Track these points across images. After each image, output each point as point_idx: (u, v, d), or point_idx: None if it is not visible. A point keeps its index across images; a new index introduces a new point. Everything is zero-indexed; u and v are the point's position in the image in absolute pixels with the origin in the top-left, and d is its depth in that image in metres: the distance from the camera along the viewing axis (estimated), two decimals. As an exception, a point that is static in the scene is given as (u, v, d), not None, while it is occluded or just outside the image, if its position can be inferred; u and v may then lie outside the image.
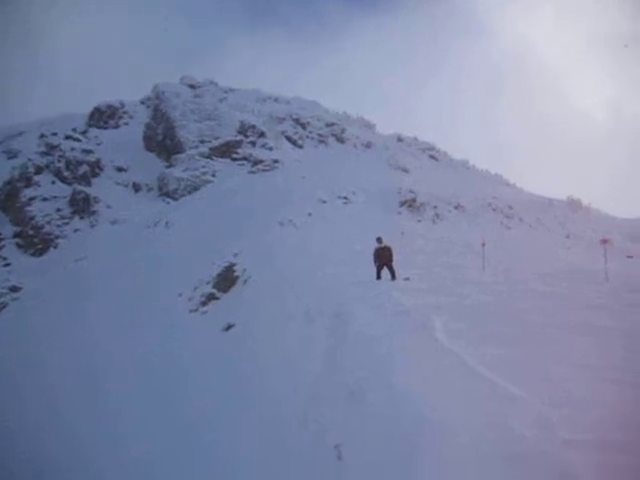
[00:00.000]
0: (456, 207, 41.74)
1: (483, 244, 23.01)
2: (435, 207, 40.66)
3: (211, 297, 27.24)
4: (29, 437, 20.24)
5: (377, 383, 11.42)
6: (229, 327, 23.64)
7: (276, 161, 47.87)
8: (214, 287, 27.58)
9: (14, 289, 36.21)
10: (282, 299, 21.68)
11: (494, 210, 43.73)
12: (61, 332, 28.88)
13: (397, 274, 19.81)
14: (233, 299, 26.07)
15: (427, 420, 8.72)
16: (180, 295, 28.44)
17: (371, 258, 20.67)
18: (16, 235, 42.51)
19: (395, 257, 20.08)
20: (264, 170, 46.39)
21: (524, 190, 56.43)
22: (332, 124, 58.90)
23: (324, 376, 14.34)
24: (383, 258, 20.03)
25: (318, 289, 20.40)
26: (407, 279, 19.71)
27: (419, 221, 37.94)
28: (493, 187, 51.39)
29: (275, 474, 13.34)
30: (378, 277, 20.03)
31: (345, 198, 39.45)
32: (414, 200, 40.56)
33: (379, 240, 20.55)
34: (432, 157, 61.35)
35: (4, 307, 35.08)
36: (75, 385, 23.40)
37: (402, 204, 40.16)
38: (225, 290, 27.16)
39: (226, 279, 27.46)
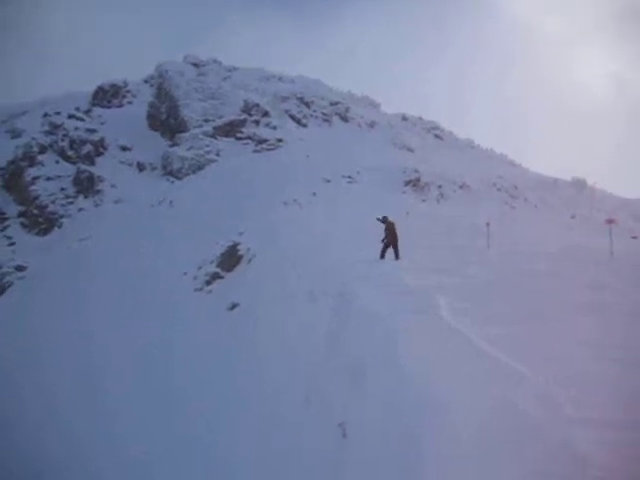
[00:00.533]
0: (461, 187, 41.62)
1: (488, 224, 22.94)
2: (440, 187, 40.55)
3: (216, 276, 27.30)
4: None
5: (381, 362, 11.43)
6: (234, 306, 23.73)
7: (280, 140, 47.75)
8: (218, 266, 27.63)
9: (19, 268, 36.34)
10: (286, 278, 21.69)
11: (499, 190, 43.60)
12: (64, 312, 29.01)
13: (400, 254, 19.80)
14: (237, 278, 26.09)
15: (432, 399, 8.73)
16: (185, 274, 28.53)
17: (376, 237, 20.64)
18: (21, 214, 42.57)
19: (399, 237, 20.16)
20: (268, 149, 46.30)
21: (529, 170, 56.20)
22: (336, 103, 58.60)
23: (328, 355, 14.39)
24: (394, 235, 20.10)
25: (322, 268, 20.38)
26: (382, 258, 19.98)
27: (424, 200, 37.86)
28: (498, 167, 51.24)
29: (279, 452, 13.42)
30: (382, 257, 19.93)
31: (349, 177, 39.36)
32: (419, 179, 40.44)
33: (384, 219, 20.56)
34: (437, 136, 61.06)
35: (10, 286, 35.24)
36: (75, 374, 23.61)
37: (407, 183, 40.05)
38: (229, 269, 27.18)
39: (230, 258, 27.47)
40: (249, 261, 26.48)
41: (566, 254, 19.08)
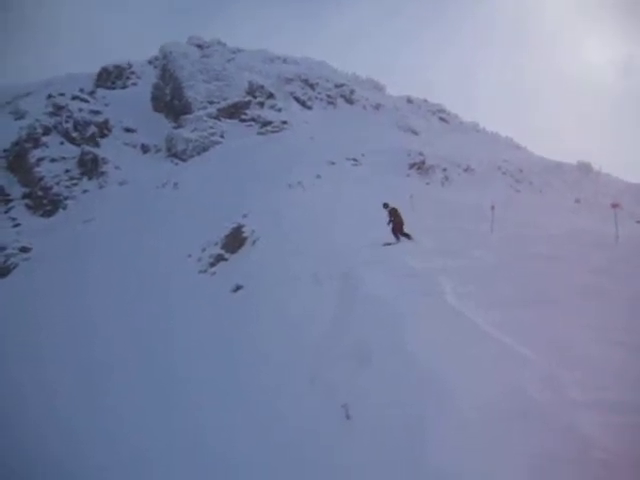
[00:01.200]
0: (465, 170, 41.51)
1: (492, 207, 22.88)
2: (444, 170, 40.44)
3: (220, 258, 27.36)
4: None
5: (386, 344, 11.49)
6: (237, 288, 23.84)
7: (285, 122, 47.62)
8: (222, 248, 27.68)
9: (24, 250, 36.42)
10: (290, 261, 21.74)
11: (504, 173, 43.47)
12: (67, 295, 29.15)
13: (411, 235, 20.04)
14: (241, 260, 26.15)
15: (437, 382, 8.79)
16: (189, 256, 28.61)
17: (380, 220, 20.65)
18: (25, 196, 42.57)
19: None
20: (272, 131, 46.18)
21: (534, 154, 55.95)
22: (341, 85, 58.35)
23: (332, 337, 14.44)
24: (398, 219, 20.13)
25: (326, 251, 20.42)
26: (388, 244, 19.85)
27: (428, 184, 37.77)
28: (503, 150, 51.02)
29: (284, 434, 13.49)
30: (397, 238, 20.22)
31: (354, 160, 39.26)
32: (423, 162, 40.32)
33: (385, 205, 20.69)
34: (442, 119, 60.81)
35: (15, 267, 35.35)
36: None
37: (411, 166, 39.93)
38: (233, 251, 27.22)
39: (234, 240, 27.49)
40: (253, 243, 26.52)
41: (570, 238, 19.04)
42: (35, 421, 20.51)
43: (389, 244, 19.81)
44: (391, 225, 20.23)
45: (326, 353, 14.16)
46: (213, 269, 27.10)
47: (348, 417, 11.46)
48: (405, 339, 10.99)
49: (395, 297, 13.27)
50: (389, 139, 44.44)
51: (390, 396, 10.13)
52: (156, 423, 18.25)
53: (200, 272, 27.33)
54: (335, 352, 13.72)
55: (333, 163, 37.72)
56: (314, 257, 20.60)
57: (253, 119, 48.33)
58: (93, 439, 18.78)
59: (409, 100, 63.38)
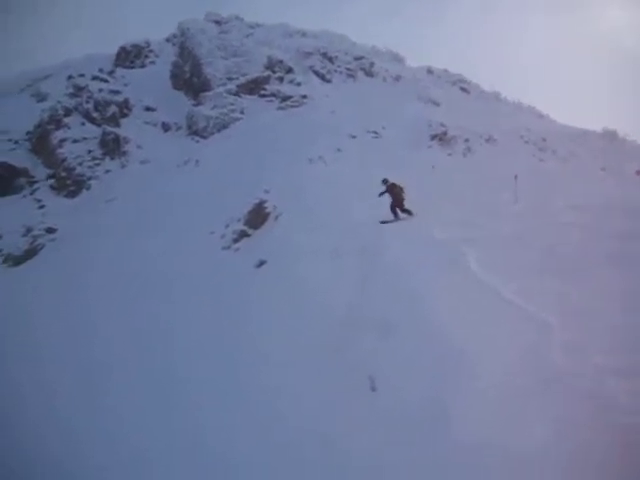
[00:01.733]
0: (487, 140, 41.01)
1: (515, 177, 22.71)
2: (466, 140, 39.98)
3: (243, 234, 27.48)
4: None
5: (409, 315, 11.54)
6: (261, 264, 23.97)
7: (304, 97, 47.21)
8: (245, 224, 27.80)
9: (50, 230, 36.72)
10: (312, 235, 21.78)
11: (527, 143, 42.89)
12: (90, 275, 29.49)
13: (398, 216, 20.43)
14: (264, 236, 26.28)
15: (460, 350, 8.82)
16: (212, 233, 28.74)
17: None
18: (49, 177, 42.81)
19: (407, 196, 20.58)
20: (293, 106, 45.82)
21: (558, 122, 55.12)
22: (361, 58, 57.61)
23: (356, 308, 14.51)
24: (397, 196, 20.26)
25: (348, 224, 20.45)
26: (385, 222, 20.00)
27: (450, 155, 37.43)
28: (526, 119, 50.27)
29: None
30: (395, 216, 20.35)
31: (375, 133, 38.97)
32: (445, 133, 39.90)
33: (385, 181, 20.63)
34: (463, 89, 59.84)
35: (41, 248, 35.72)
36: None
37: (433, 138, 39.54)
38: (256, 227, 27.33)
39: (257, 216, 27.58)
40: (276, 219, 26.62)
41: (595, 206, 18.85)
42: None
43: (386, 222, 19.81)
44: (390, 201, 20.40)
45: (349, 326, 14.23)
46: (237, 245, 27.25)
47: (373, 389, 11.54)
48: (428, 310, 11.03)
49: (417, 268, 13.31)
50: (410, 111, 43.94)
51: (413, 366, 10.20)
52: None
53: (224, 248, 27.50)
54: (358, 323, 13.78)
55: (354, 136, 37.49)
56: (336, 231, 20.70)
57: (273, 94, 47.97)
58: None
59: (429, 71, 62.46)
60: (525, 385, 6.83)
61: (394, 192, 20.30)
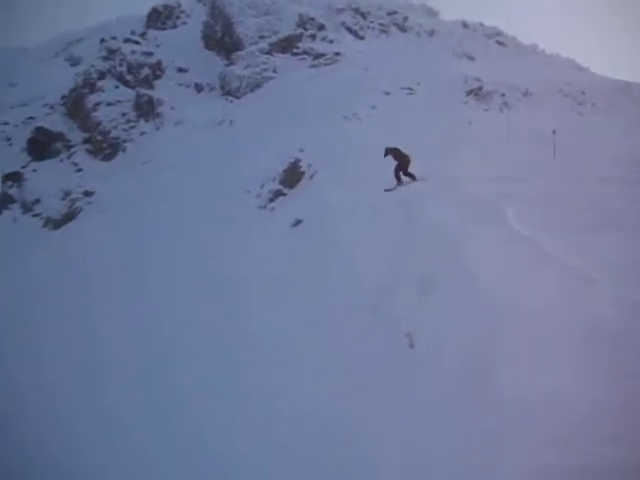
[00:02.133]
0: (525, 94, 40.20)
1: (554, 131, 22.28)
2: (503, 95, 39.26)
3: (278, 193, 27.56)
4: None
5: (449, 271, 11.44)
6: (297, 223, 24.05)
7: (337, 54, 46.68)
8: (280, 183, 27.88)
9: (87, 194, 37.27)
10: (348, 193, 21.69)
11: (565, 96, 41.93)
12: (128, 236, 29.93)
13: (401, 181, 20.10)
14: (300, 195, 26.31)
15: (503, 307, 8.72)
16: (248, 192, 28.87)
17: (435, 149, 20.39)
18: (85, 141, 43.28)
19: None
20: (325, 64, 45.36)
21: (598, 74, 53.68)
22: (394, 12, 56.62)
23: (394, 265, 14.44)
24: (403, 160, 19.92)
25: (384, 181, 20.30)
26: (389, 190, 19.65)
27: (486, 110, 36.79)
28: (564, 72, 49.05)
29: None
30: (399, 181, 20.05)
31: (409, 89, 38.42)
32: (480, 88, 39.21)
33: (386, 152, 20.34)
34: (499, 43, 58.52)
35: (79, 212, 36.31)
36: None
37: (468, 93, 38.90)
38: (291, 186, 27.38)
39: (292, 175, 27.60)
40: (311, 177, 26.58)
41: (638, 160, 18.43)
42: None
43: (390, 190, 19.53)
44: (395, 165, 20.02)
45: (387, 282, 14.19)
46: (272, 204, 27.34)
47: (412, 346, 11.53)
48: (468, 265, 10.92)
49: (456, 224, 13.16)
50: (445, 66, 43.19)
51: (453, 323, 10.15)
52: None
53: (260, 208, 27.62)
54: (396, 280, 13.75)
55: (388, 93, 37.04)
56: (372, 188, 20.52)
57: (305, 52, 47.54)
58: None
59: (464, 25, 61.08)
60: (573, 339, 6.74)
61: (398, 157, 20.03)
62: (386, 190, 19.56)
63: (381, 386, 11.68)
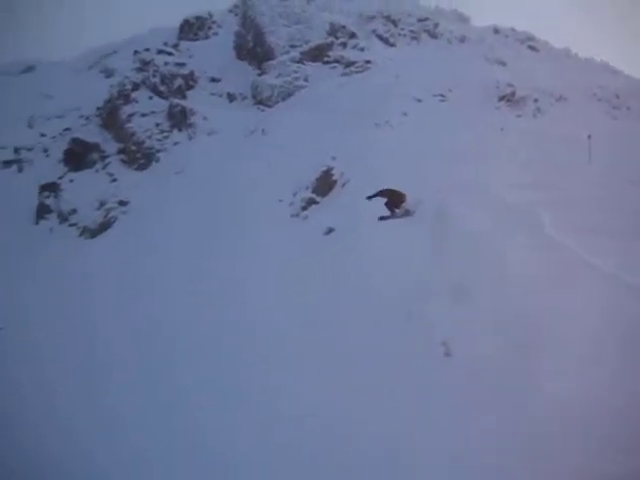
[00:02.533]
0: (558, 99, 39.88)
1: (589, 136, 22.07)
2: (536, 100, 38.99)
3: (311, 202, 27.72)
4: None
5: (485, 278, 11.41)
6: (330, 231, 24.18)
7: (368, 62, 46.67)
8: (313, 192, 28.05)
9: (122, 203, 37.70)
10: (381, 201, 21.63)
11: (599, 100, 41.52)
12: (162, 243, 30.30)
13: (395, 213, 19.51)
14: (332, 203, 26.41)
15: (541, 312, 8.68)
16: (280, 201, 29.04)
17: (470, 156, 20.24)
18: (120, 151, 43.74)
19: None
20: (357, 72, 45.36)
21: (632, 77, 52.94)
22: (424, 19, 56.50)
23: (428, 273, 14.41)
24: (396, 197, 19.39)
25: (417, 189, 20.24)
26: (384, 218, 19.45)
27: (519, 116, 36.58)
28: (598, 76, 48.50)
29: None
30: (392, 212, 19.61)
31: (441, 96, 38.33)
32: (513, 94, 38.98)
33: (380, 193, 19.72)
34: (531, 47, 58.02)
35: (115, 221, 36.77)
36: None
37: (500, 99, 38.70)
38: (324, 194, 27.50)
39: (325, 183, 27.71)
40: (343, 185, 26.64)
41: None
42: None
43: (385, 218, 19.37)
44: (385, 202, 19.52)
45: (421, 290, 14.16)
46: (305, 212, 27.53)
47: (448, 354, 11.49)
48: (503, 272, 10.88)
49: (491, 231, 13.12)
50: (476, 72, 42.98)
51: (489, 330, 10.10)
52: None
53: (292, 216, 27.80)
54: (430, 288, 13.71)
55: (420, 100, 36.98)
56: (405, 195, 20.42)
57: (336, 60, 47.59)
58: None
59: (495, 30, 60.70)
60: (611, 344, 6.70)
61: (393, 197, 19.45)
62: (381, 218, 19.37)
63: (417, 395, 11.66)
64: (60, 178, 41.80)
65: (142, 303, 26.02)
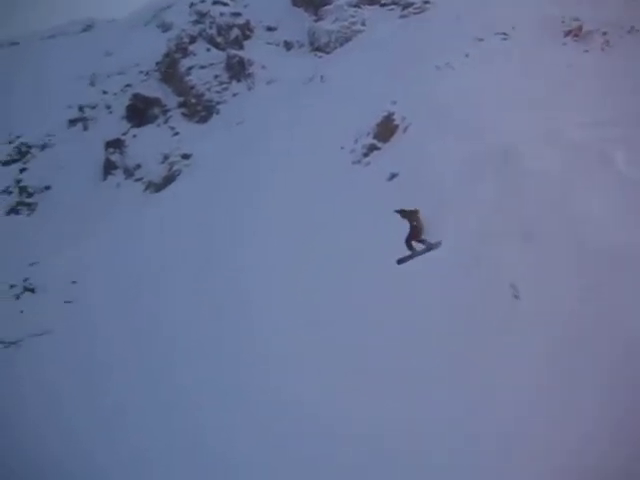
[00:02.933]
0: (629, 31, 37.99)
1: (663, 70, 21.12)
2: (604, 33, 37.18)
3: (372, 148, 27.46)
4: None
5: (554, 219, 11.18)
6: (392, 177, 23.96)
7: (427, 2, 45.12)
8: (375, 138, 27.71)
9: (185, 156, 38.40)
10: (443, 145, 21.30)
11: (675, 30, 39.41)
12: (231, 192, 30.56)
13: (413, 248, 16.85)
14: (394, 148, 26.01)
15: (614, 252, 8.48)
16: (342, 148, 28.81)
17: (538, 98, 19.58)
18: (180, 105, 44.14)
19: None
20: (415, 13, 44.05)
21: None
22: (483, -45, 54.42)
23: (495, 215, 14.20)
24: (417, 226, 16.84)
25: (481, 130, 19.84)
26: (402, 261, 17.06)
27: (586, 51, 35.03)
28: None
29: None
30: (412, 251, 16.81)
31: (504, 34, 36.92)
32: (580, 28, 37.28)
33: (402, 211, 17.30)
34: (598, -22, 55.35)
35: (179, 174, 37.52)
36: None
37: (566, 34, 37.04)
38: (385, 140, 27.12)
39: (386, 129, 27.31)
40: (405, 130, 26.18)
41: None
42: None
43: (403, 261, 16.88)
44: (408, 233, 16.90)
45: (489, 232, 13.99)
46: (367, 159, 27.29)
47: (516, 296, 11.38)
48: (575, 213, 10.64)
49: (561, 170, 12.78)
50: (540, 7, 41.22)
51: (558, 271, 9.93)
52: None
53: (354, 163, 27.63)
54: (498, 230, 13.54)
55: (481, 39, 35.74)
56: (469, 138, 20.06)
57: (394, 2, 46.21)
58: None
59: (560, -38, 58.00)
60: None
61: (413, 219, 16.91)
62: (399, 261, 16.88)
63: (485, 337, 11.63)
64: (124, 134, 42.73)
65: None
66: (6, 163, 44.63)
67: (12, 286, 33.95)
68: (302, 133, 31.49)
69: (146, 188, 38.01)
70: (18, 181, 42.78)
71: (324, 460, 11.91)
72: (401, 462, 9.88)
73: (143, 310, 24.78)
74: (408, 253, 16.47)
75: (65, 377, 23.08)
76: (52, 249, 34.54)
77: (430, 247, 16.15)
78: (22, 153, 44.99)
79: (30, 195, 41.68)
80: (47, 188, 41.83)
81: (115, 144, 41.62)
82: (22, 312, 31.73)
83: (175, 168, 37.73)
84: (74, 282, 31.81)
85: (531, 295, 10.96)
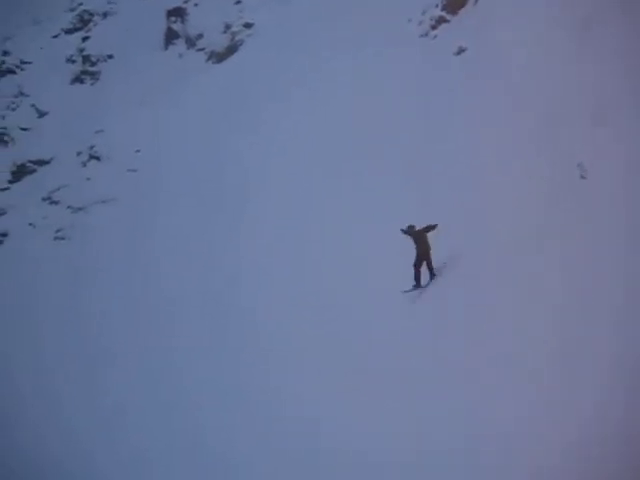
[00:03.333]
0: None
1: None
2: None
3: (441, 20, 26.12)
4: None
5: (624, 101, 10.92)
6: (460, 51, 23.26)
7: None
8: (443, 10, 26.21)
9: (247, 25, 37.32)
10: (517, 21, 19.69)
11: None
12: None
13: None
14: (464, 21, 24.51)
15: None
16: (409, 20, 27.50)
17: None
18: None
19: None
20: None
21: None
22: None
23: (566, 95, 14.20)
24: (423, 247, 15.68)
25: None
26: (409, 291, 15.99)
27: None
28: None
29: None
30: (418, 282, 15.94)
31: None
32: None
33: (409, 229, 15.88)
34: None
35: (241, 44, 36.69)
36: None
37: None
38: (454, 12, 25.65)
39: (455, 0, 25.60)
40: (475, 2, 24.36)
41: None
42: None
43: (408, 291, 15.95)
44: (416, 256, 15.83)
45: (557, 114, 13.92)
46: (434, 32, 26.08)
47: (583, 177, 11.63)
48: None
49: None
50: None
51: (624, 155, 9.75)
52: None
53: (421, 36, 26.50)
54: (567, 112, 13.50)
55: None
56: (543, 17, 18.50)
57: None
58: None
59: None
60: None
61: (420, 240, 15.70)
62: (405, 292, 16.06)
63: (553, 216, 11.90)
64: (185, 2, 41.05)
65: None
66: (69, 31, 44.54)
67: (79, 153, 35.51)
68: (369, 3, 29.54)
69: (208, 58, 37.62)
70: (81, 50, 42.60)
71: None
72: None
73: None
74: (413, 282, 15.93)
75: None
76: (116, 118, 35.18)
77: (433, 274, 15.82)
78: (84, 21, 44.49)
79: (93, 64, 41.69)
80: (110, 57, 41.61)
81: (177, 12, 40.48)
82: (89, 179, 33.54)
83: (238, 38, 36.94)
84: (137, 151, 33.09)
85: (598, 176, 11.04)
